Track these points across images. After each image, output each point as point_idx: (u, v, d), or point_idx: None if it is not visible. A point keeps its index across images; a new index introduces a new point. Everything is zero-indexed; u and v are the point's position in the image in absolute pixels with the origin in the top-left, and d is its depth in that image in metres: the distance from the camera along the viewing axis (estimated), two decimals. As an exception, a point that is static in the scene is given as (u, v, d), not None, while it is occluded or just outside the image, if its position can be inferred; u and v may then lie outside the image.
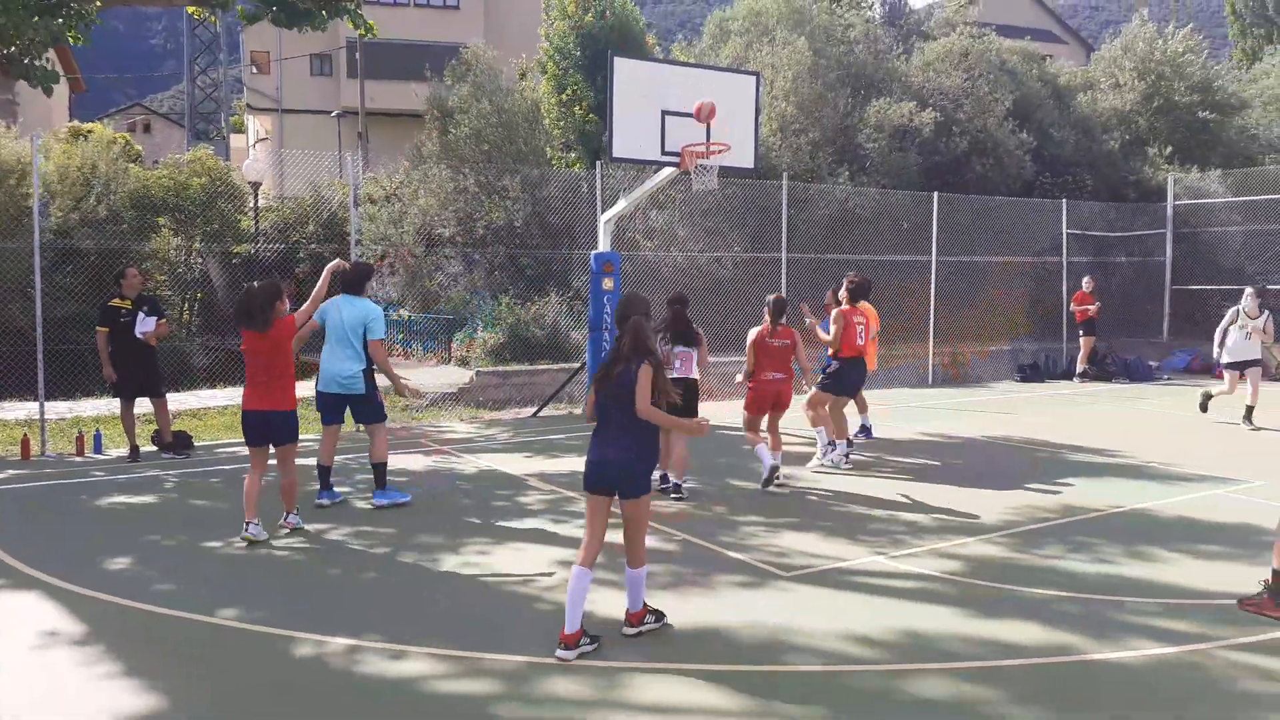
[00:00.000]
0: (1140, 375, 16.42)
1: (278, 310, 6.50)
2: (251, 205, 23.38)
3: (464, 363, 16.73)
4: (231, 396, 14.49)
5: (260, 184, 19.91)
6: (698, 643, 4.80)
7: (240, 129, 45.33)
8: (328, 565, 6.10)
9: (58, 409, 12.64)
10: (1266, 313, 11.70)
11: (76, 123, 27.46)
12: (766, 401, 8.17)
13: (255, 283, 6.71)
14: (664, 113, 9.85)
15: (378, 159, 27.03)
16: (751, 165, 10.59)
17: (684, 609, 5.22)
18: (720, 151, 9.79)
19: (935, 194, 15.49)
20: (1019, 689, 4.28)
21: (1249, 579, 5.56)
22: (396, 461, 9.35)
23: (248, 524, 6.44)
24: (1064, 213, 17.63)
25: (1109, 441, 10.38)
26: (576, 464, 9.08)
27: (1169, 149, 19.99)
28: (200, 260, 22.37)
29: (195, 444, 10.05)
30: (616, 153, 9.93)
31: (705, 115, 9.68)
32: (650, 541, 6.41)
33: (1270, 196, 17.48)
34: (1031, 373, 16.67)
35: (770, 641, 4.81)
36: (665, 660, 4.56)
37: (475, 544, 6.49)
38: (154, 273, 20.07)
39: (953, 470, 9.01)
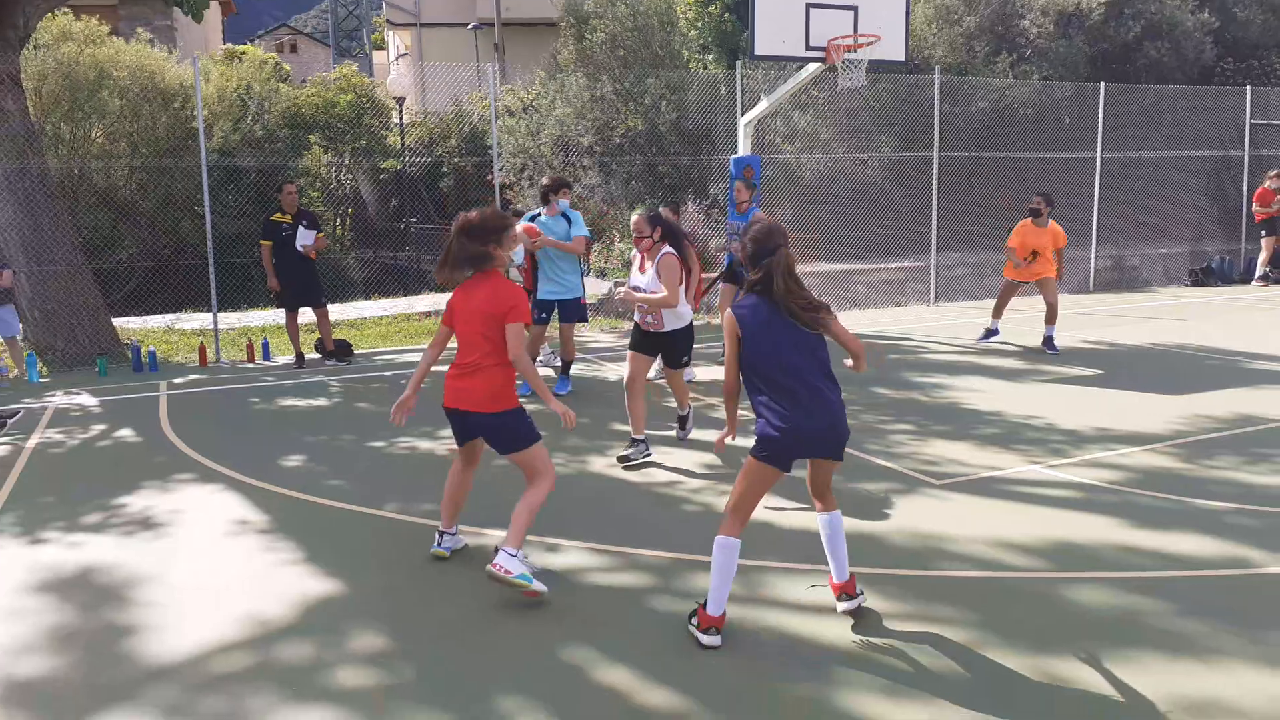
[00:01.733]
0: (1329, 278, 15.08)
1: (497, 259, 4.28)
2: (396, 120, 23.95)
3: (602, 274, 16.87)
4: (387, 307, 15.13)
5: (405, 99, 20.26)
6: (851, 546, 4.77)
7: (380, 45, 46.21)
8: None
9: (228, 320, 13.51)
10: None
11: (230, 45, 28.54)
12: None
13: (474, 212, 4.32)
14: (808, 5, 9.44)
15: (514, 70, 27.10)
16: (903, 58, 10.09)
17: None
18: (869, 44, 9.35)
19: (1102, 84, 14.39)
20: (1187, 601, 4.09)
21: None
22: (542, 369, 9.60)
23: (441, 533, 4.73)
24: (1248, 101, 16.11)
25: (1293, 348, 9.64)
26: (716, 372, 9.14)
27: (1374, 25, 17.89)
28: (350, 176, 23.18)
29: (355, 352, 10.55)
30: (758, 50, 9.63)
31: None
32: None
33: None
34: (1205, 276, 15.54)
35: (923, 548, 4.75)
36: (813, 562, 4.57)
37: (621, 447, 6.62)
38: (307, 189, 20.96)
39: (1117, 378, 8.57)
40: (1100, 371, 8.89)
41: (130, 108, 19.02)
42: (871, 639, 3.79)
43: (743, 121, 11.38)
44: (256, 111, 20.66)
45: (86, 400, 8.53)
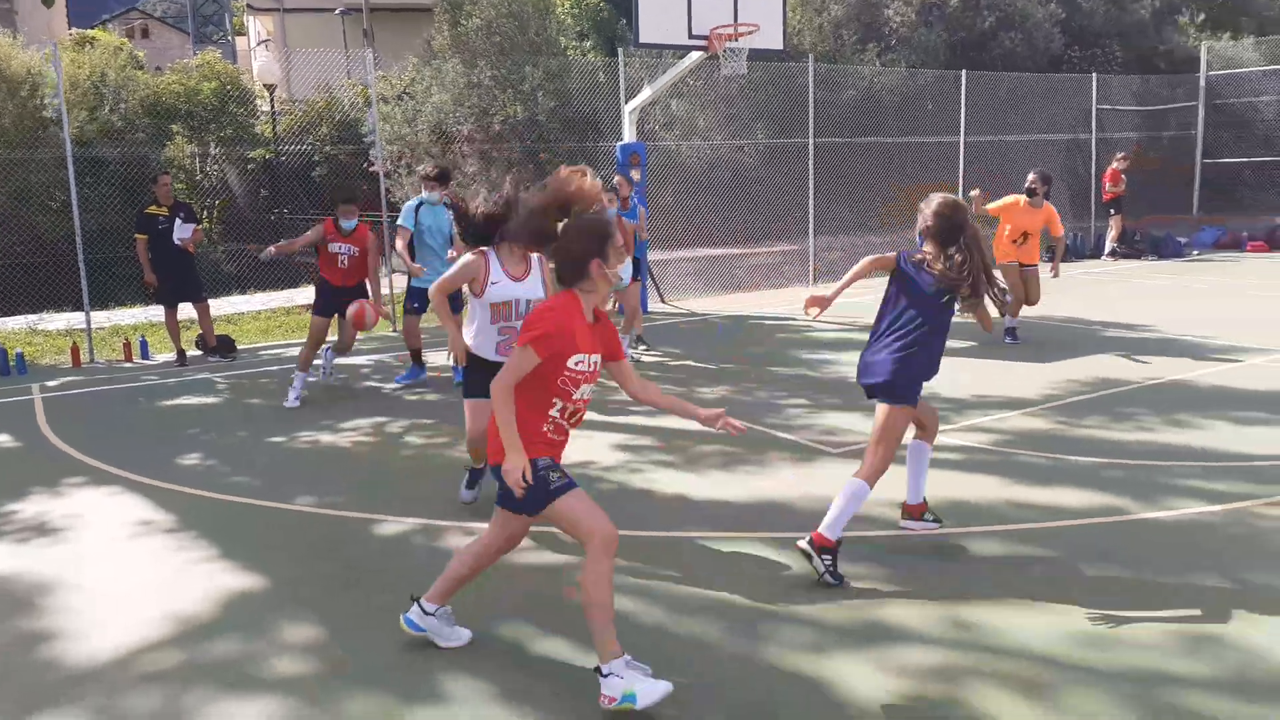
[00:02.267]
0: (1170, 252, 16.31)
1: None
2: (263, 110, 23.11)
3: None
4: (265, 301, 14.67)
5: (275, 87, 19.58)
6: (760, 514, 5.01)
7: (241, 31, 44.36)
8: (388, 457, 6.31)
9: (96, 319, 12.85)
10: None
11: (80, 30, 26.96)
12: None
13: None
14: (690, -6, 9.65)
15: (384, 56, 26.50)
16: (780, 46, 10.42)
17: (743, 486, 5.43)
18: (749, 32, 9.62)
19: (964, 72, 15.17)
20: (1073, 547, 4.47)
21: (1291, 441, 5.69)
22: (435, 359, 9.55)
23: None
24: (1094, 87, 17.25)
25: (1142, 318, 10.43)
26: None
27: (1201, 17, 19.40)
28: (217, 167, 22.27)
29: (238, 348, 10.24)
30: (643, 38, 9.78)
31: None
32: (697, 425, 6.58)
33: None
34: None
35: (813, 511, 5.00)
36: (734, 530, 4.77)
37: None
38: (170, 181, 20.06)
39: (989, 349, 9.11)
40: (973, 343, 9.43)
41: (-29, 97, 17.80)
42: (793, 601, 4.00)
43: (627, 109, 11.52)
44: (114, 100, 19.61)
45: (-50, 407, 8.03)
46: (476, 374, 4.60)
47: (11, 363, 9.39)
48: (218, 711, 3.28)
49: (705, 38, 9.71)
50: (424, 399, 7.88)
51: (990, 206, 9.42)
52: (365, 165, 20.26)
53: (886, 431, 4.28)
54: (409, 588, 3.82)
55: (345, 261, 7.82)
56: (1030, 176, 9.33)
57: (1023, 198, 9.29)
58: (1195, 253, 16.72)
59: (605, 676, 3.14)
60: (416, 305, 8.27)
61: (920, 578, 4.18)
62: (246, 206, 21.96)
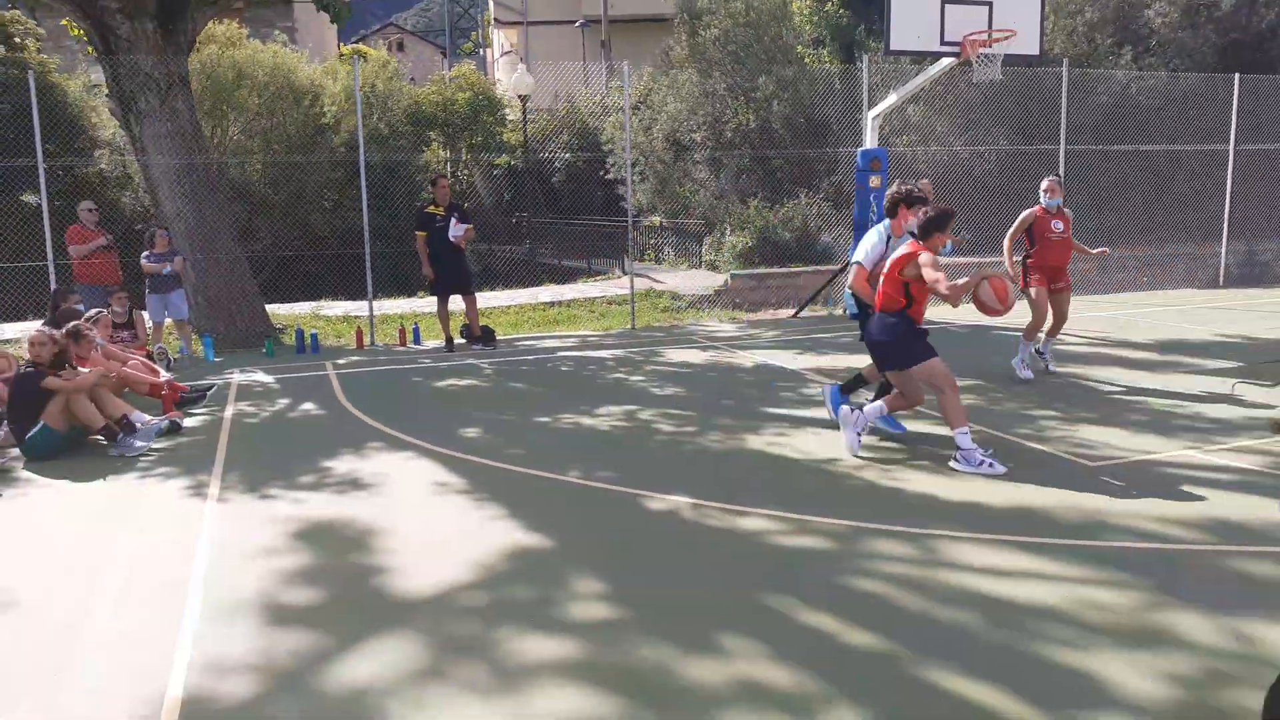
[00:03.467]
0: None
1: None
2: (509, 117, 24.67)
3: (713, 267, 17.22)
4: (511, 298, 15.75)
5: (529, 97, 20.87)
6: (1016, 519, 5.05)
7: (486, 43, 47.31)
8: (647, 440, 6.77)
9: (362, 308, 14.26)
10: None
11: (353, 46, 29.73)
12: None
13: None
14: (943, 1, 9.62)
15: (619, 67, 27.64)
16: (1036, 51, 10.20)
17: (997, 492, 5.47)
18: (1005, 38, 9.48)
19: (1236, 76, 14.13)
20: (1363, 576, 4.26)
21: None
22: (675, 355, 10.02)
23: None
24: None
25: None
26: (848, 359, 9.41)
27: None
28: (467, 171, 24.02)
29: (498, 338, 11.13)
30: (894, 45, 9.84)
31: None
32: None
33: None
34: (1342, 272, 15.13)
35: (1088, 522, 4.98)
36: (985, 532, 4.85)
37: (774, 427, 6.97)
38: (425, 184, 21.84)
39: (1257, 370, 8.55)
40: (1239, 364, 8.88)
41: (266, 106, 20.09)
42: (1052, 602, 4.07)
43: (870, 115, 11.59)
44: (381, 109, 21.58)
45: (263, 378, 9.26)
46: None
47: (308, 343, 10.66)
48: (526, 642, 3.76)
49: (958, 44, 9.66)
50: (669, 392, 8.32)
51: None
52: (602, 172, 21.33)
53: None
54: (679, 555, 4.19)
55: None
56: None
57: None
58: None
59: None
60: None
61: (1189, 590, 4.12)
62: (492, 208, 23.58)
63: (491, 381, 8.93)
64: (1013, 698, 3.31)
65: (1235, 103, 14.08)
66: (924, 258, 5.75)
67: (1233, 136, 14.27)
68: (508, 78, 25.43)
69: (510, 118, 24.78)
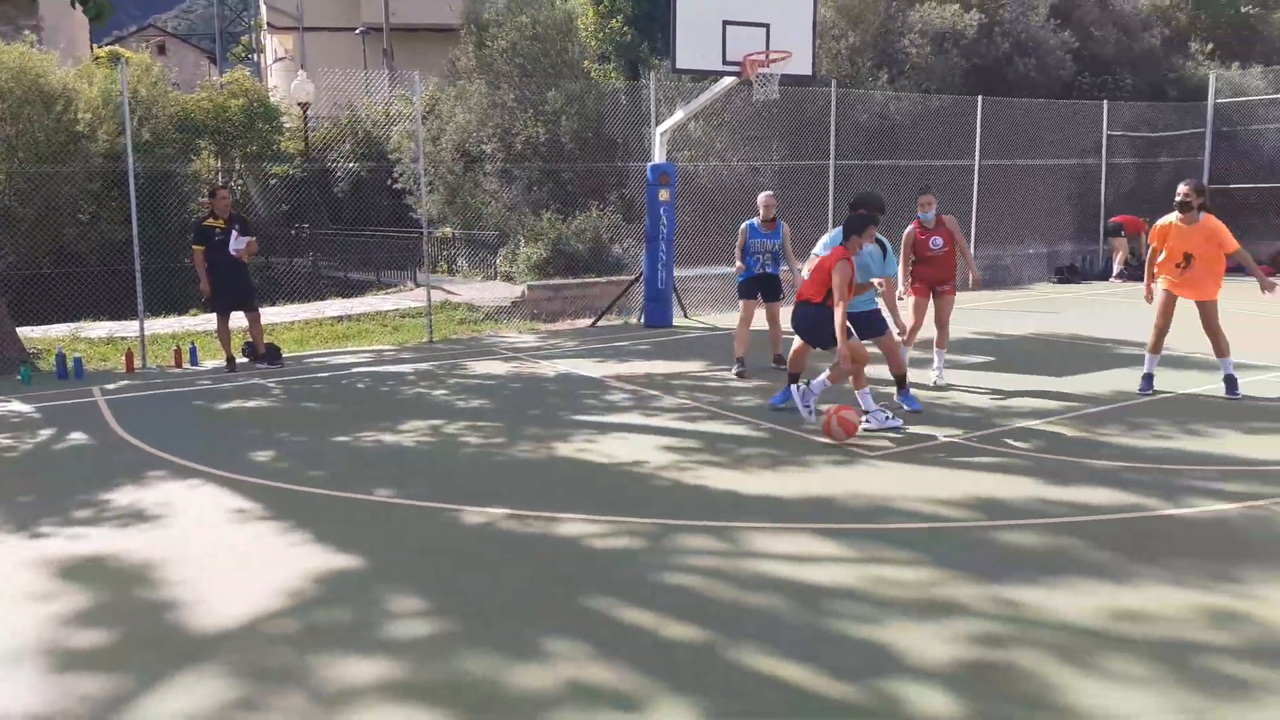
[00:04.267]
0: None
1: None
2: (288, 125, 23.61)
3: (509, 278, 17.20)
4: (295, 313, 15.07)
5: (309, 105, 20.05)
6: (811, 508, 5.40)
7: (259, 49, 45.04)
8: (455, 453, 6.71)
9: (130, 328, 13.25)
10: None
11: (110, 48, 27.52)
12: None
13: None
14: (724, 22, 10.11)
15: (403, 76, 27.06)
16: (809, 72, 10.89)
17: (789, 484, 5.82)
18: (781, 59, 10.08)
19: (979, 98, 15.65)
20: (1100, 539, 4.86)
21: (1300, 447, 6.09)
22: (478, 367, 9.96)
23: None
24: (1104, 114, 17.73)
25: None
26: (648, 366, 9.70)
27: (1210, 45, 19.89)
28: (241, 181, 22.76)
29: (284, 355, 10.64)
30: (680, 64, 10.23)
31: None
32: (741, 430, 7.01)
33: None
34: (1069, 274, 17.04)
35: (873, 507, 5.40)
36: (785, 521, 5.16)
37: (581, 434, 7.08)
38: (196, 195, 20.53)
39: (1011, 363, 9.52)
40: (993, 358, 9.85)
41: (10, 111, 18.28)
42: (849, 583, 4.39)
43: (658, 131, 11.98)
44: (144, 115, 20.11)
45: (20, 407, 8.43)
46: None
47: (69, 367, 9.78)
48: (344, 666, 3.66)
49: (739, 64, 10.17)
50: (475, 404, 8.26)
51: (1151, 237, 8.22)
52: (389, 182, 20.81)
53: None
54: (497, 565, 4.21)
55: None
56: (1182, 187, 7.83)
57: (1176, 215, 7.84)
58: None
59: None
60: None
61: (963, 563, 4.56)
62: (269, 220, 22.45)
63: (281, 402, 8.55)
64: (818, 673, 3.55)
65: (979, 121, 15.60)
66: (838, 268, 6.80)
67: (977, 152, 15.81)
68: (284, 84, 24.37)
69: (289, 125, 23.72)
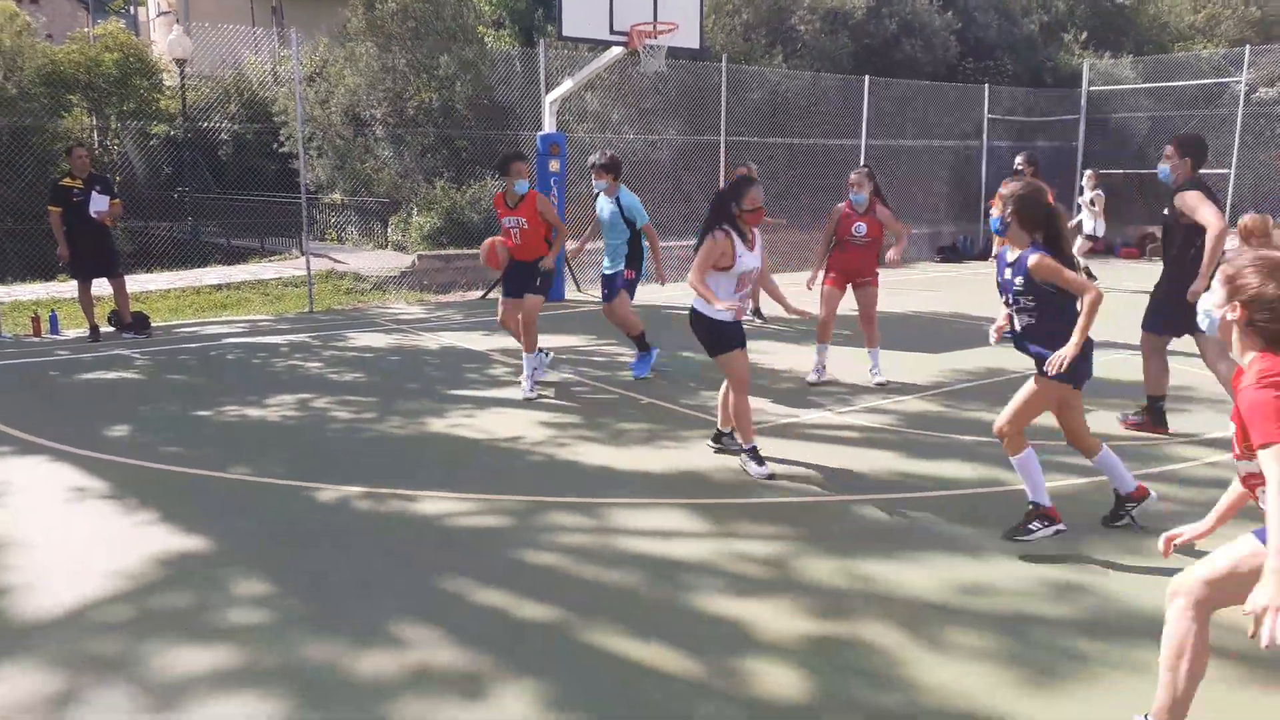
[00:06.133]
0: (1050, 255, 17.39)
1: None
2: (167, 84, 22.52)
3: (400, 248, 16.80)
4: (172, 281, 14.42)
5: (186, 61, 19.11)
6: (680, 483, 5.41)
7: (139, 1, 42.68)
8: (321, 429, 6.50)
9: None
10: None
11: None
12: None
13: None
14: (612, -9, 9.98)
15: (290, 34, 26.03)
16: (697, 45, 10.83)
17: (663, 459, 5.82)
18: (668, 31, 10.00)
19: (866, 78, 15.89)
20: (955, 513, 5.00)
21: (1146, 423, 6.39)
22: (358, 339, 9.70)
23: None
24: (986, 97, 18.24)
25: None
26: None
27: (1084, 35, 20.64)
28: (118, 141, 21.63)
29: (152, 324, 10.17)
30: (566, 31, 10.05)
31: None
32: (621, 406, 6.99)
33: (1178, 83, 18.36)
34: (951, 253, 17.53)
35: (737, 482, 5.45)
36: (653, 496, 5.16)
37: (458, 409, 6.96)
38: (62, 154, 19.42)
39: (886, 340, 9.69)
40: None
41: None
42: (708, 558, 4.42)
43: (548, 99, 11.79)
44: (8, 68, 18.88)
45: None
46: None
47: (-89, 335, 9.16)
48: (175, 657, 3.50)
49: (626, 34, 10.06)
50: (349, 378, 8.04)
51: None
52: (275, 145, 20.04)
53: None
54: (350, 547, 4.09)
55: (518, 236, 7.32)
56: (1018, 160, 8.36)
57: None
58: (1076, 256, 17.88)
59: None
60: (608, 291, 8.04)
61: (821, 538, 4.64)
62: (148, 183, 21.41)
63: (145, 374, 8.16)
64: (671, 650, 3.56)
65: (866, 101, 15.86)
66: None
67: (864, 131, 16.07)
68: (164, 39, 23.17)
69: (168, 84, 22.60)
